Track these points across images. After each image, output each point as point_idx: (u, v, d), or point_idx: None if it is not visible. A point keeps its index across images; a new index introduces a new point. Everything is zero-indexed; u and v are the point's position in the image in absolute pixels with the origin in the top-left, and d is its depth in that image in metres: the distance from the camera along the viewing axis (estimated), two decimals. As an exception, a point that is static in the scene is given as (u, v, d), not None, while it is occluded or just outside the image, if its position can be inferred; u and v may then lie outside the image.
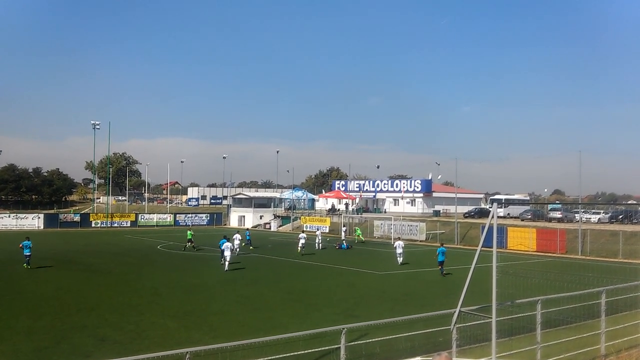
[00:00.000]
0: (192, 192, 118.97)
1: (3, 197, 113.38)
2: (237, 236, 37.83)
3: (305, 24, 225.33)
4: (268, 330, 15.53)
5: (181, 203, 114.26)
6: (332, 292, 23.41)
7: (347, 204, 73.32)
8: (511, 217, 59.85)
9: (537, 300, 11.84)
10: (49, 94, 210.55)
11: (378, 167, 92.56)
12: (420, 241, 50.27)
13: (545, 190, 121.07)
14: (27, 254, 29.70)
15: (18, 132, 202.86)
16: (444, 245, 31.59)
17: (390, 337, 11.96)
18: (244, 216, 74.54)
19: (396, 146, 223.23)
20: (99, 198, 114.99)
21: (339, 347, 9.52)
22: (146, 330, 16.04)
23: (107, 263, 32.99)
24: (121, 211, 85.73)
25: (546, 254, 41.30)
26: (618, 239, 40.54)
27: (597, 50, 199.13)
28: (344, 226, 49.72)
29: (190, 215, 78.20)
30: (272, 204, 78.59)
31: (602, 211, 58.80)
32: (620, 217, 55.35)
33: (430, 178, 76.53)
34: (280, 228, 68.54)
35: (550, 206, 61.98)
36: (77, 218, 70.46)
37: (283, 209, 76.16)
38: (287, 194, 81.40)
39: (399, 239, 36.81)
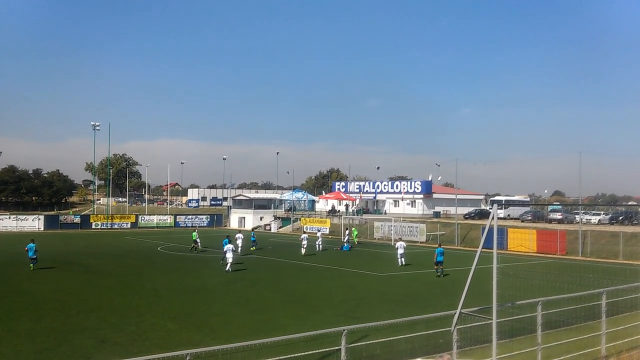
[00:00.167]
0: (193, 194, 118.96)
1: (3, 198, 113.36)
2: (240, 235, 37.98)
3: (305, 25, 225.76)
4: (268, 332, 15.53)
5: (181, 204, 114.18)
6: (333, 294, 23.40)
7: (347, 205, 73.28)
8: (511, 219, 59.82)
9: (537, 301, 11.83)
10: (49, 95, 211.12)
11: (378, 168, 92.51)
12: (421, 242, 50.25)
13: (546, 191, 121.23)
14: (32, 256, 29.77)
15: (18, 133, 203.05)
16: (442, 245, 31.61)
17: (391, 338, 11.95)
18: (244, 217, 74.54)
19: (396, 147, 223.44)
20: (99, 199, 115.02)
21: (340, 349, 9.51)
22: (146, 332, 16.04)
23: (107, 264, 33.00)
24: (121, 212, 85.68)
25: (546, 255, 41.30)
26: (618, 240, 40.51)
27: (597, 51, 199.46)
28: (346, 229, 49.72)
29: (190, 216, 78.22)
30: (273, 205, 78.63)
31: (602, 212, 58.75)
32: (621, 218, 55.26)
33: (430, 179, 76.46)
34: (281, 229, 68.54)
35: (550, 207, 61.96)
36: (77, 219, 70.43)
37: (283, 210, 76.15)
38: (287, 195, 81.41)
39: (400, 239, 36.82)
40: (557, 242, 42.60)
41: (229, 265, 29.37)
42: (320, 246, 42.89)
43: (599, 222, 55.19)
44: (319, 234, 45.44)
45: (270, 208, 77.22)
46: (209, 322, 17.49)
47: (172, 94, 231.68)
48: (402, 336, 11.94)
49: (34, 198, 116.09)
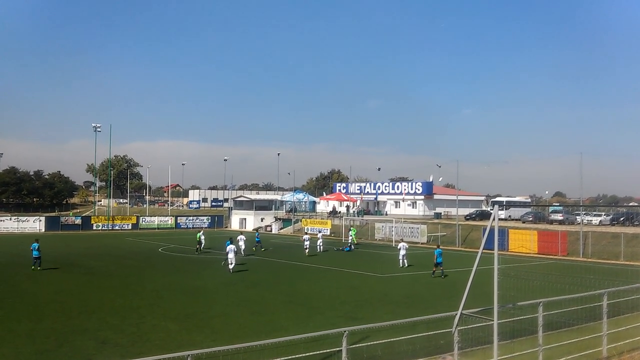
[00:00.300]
0: (193, 195, 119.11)
1: (4, 200, 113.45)
2: (242, 237, 38.22)
3: (305, 26, 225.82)
4: (269, 333, 15.51)
5: (182, 206, 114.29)
6: (334, 295, 23.38)
7: (348, 207, 73.28)
8: (512, 220, 59.79)
9: (538, 302, 11.82)
10: (50, 97, 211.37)
11: (379, 169, 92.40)
12: (422, 243, 50.20)
13: (547, 192, 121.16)
14: (35, 256, 29.88)
15: (19, 134, 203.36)
16: (440, 247, 31.63)
17: (392, 339, 11.94)
18: (245, 219, 74.54)
19: (397, 148, 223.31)
20: (100, 201, 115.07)
21: (341, 350, 9.52)
22: (147, 333, 16.04)
23: (108, 266, 33.02)
24: (122, 214, 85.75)
25: (547, 256, 41.27)
26: (619, 241, 40.47)
27: (598, 51, 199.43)
28: (348, 230, 49.81)
29: (191, 217, 78.26)
30: (273, 206, 78.66)
31: (603, 213, 58.69)
32: (622, 219, 55.18)
33: (431, 180, 76.46)
34: (282, 230, 68.53)
35: (551, 208, 61.88)
36: (78, 221, 70.44)
37: (284, 211, 76.16)
38: (288, 197, 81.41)
39: (402, 240, 36.83)
40: (558, 243, 42.58)
41: (231, 266, 29.47)
42: (321, 247, 42.95)
43: (600, 223, 55.15)
44: (319, 235, 45.56)
45: (271, 209, 77.25)
46: (210, 323, 17.49)
47: (173, 95, 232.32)
48: (403, 337, 11.93)
49: (35, 199, 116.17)
